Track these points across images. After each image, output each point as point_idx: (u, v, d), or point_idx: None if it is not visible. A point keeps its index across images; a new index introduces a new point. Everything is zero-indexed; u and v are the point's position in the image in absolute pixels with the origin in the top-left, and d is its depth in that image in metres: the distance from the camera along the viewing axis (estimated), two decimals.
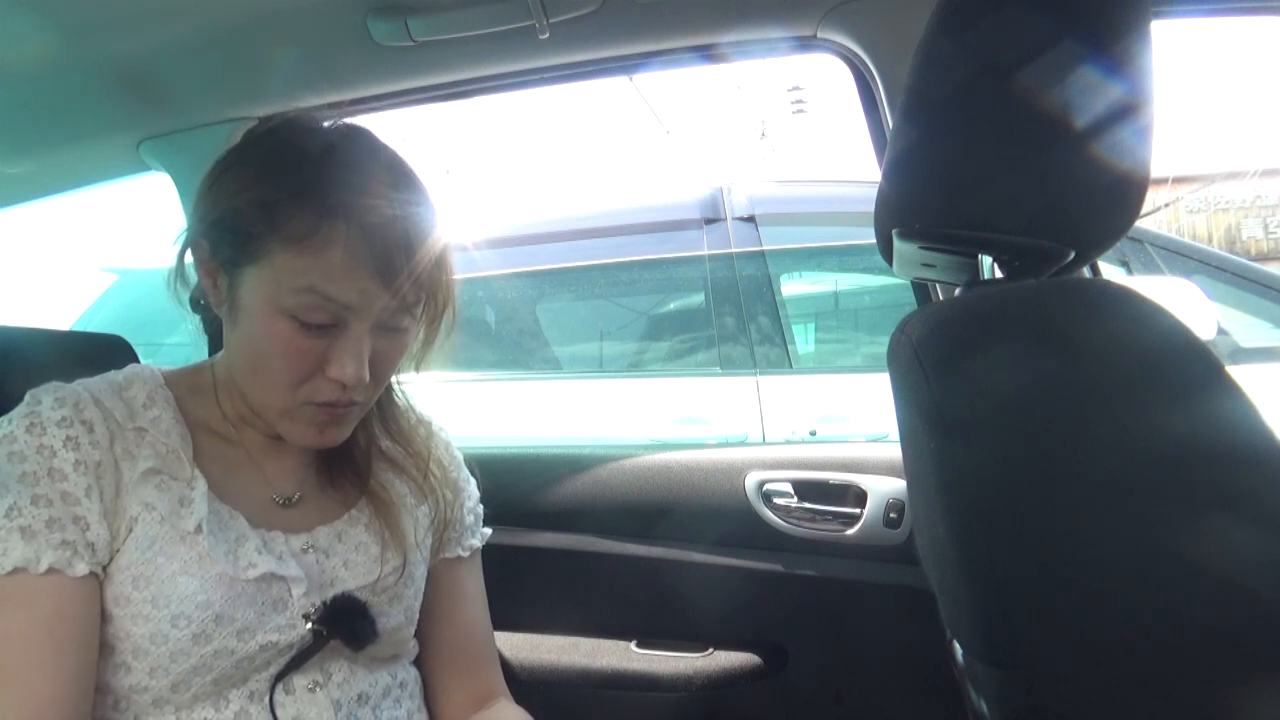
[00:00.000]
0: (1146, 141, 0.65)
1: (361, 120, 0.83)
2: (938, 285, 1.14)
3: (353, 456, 0.87)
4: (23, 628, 0.68)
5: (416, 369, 0.86)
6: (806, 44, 1.13)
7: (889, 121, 1.08)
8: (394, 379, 0.87)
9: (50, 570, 0.69)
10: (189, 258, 0.80)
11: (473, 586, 0.97)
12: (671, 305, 2.80)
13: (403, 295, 0.74)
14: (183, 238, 0.80)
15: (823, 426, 2.23)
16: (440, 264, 0.77)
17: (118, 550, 0.72)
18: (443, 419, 0.99)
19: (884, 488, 1.28)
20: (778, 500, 1.31)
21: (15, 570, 0.68)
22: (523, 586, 1.31)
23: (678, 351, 2.72)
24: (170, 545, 0.73)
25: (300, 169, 0.74)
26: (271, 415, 0.78)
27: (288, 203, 0.72)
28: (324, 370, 0.75)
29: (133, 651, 0.72)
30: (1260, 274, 2.52)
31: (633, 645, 1.33)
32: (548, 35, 1.06)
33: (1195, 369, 0.59)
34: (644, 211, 2.86)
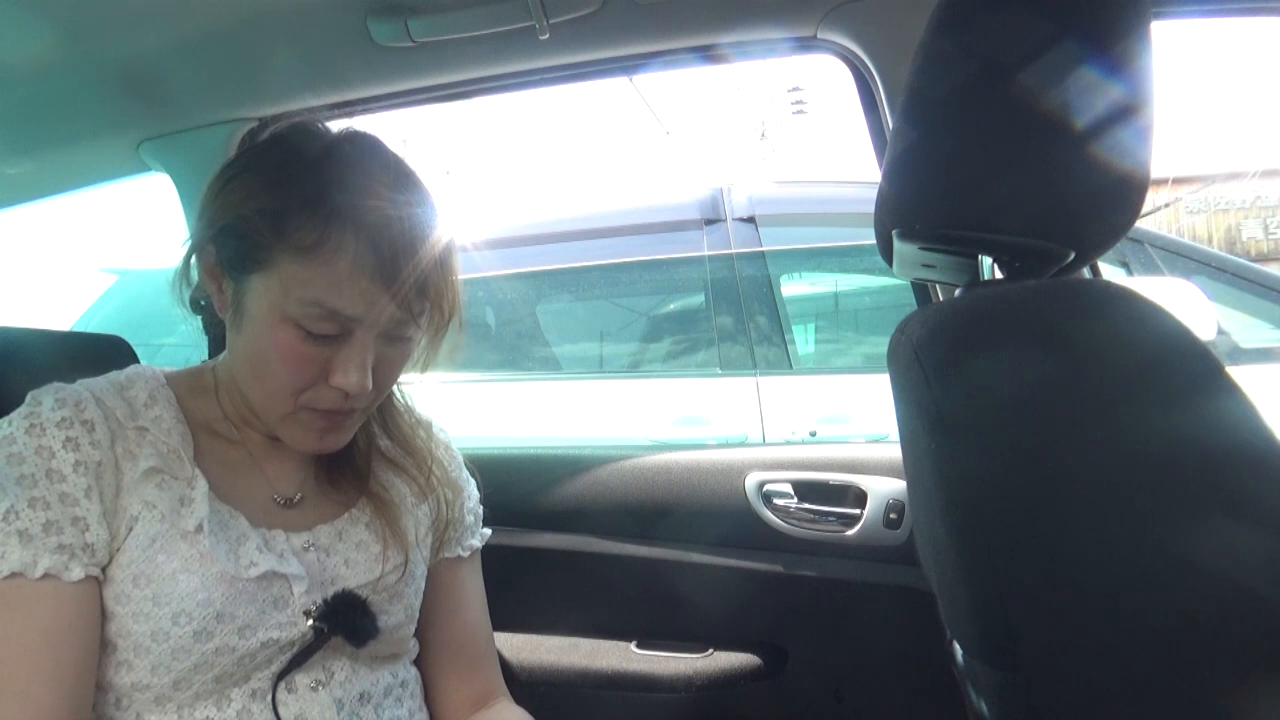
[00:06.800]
0: (1146, 141, 0.65)
1: (361, 121, 0.83)
2: (938, 286, 1.14)
3: (353, 457, 0.88)
4: (20, 633, 0.68)
5: (421, 371, 0.86)
6: (806, 44, 1.13)
7: (889, 121, 1.08)
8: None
9: (47, 575, 0.69)
10: (194, 261, 0.80)
11: (472, 587, 0.97)
12: (671, 306, 2.80)
13: (408, 303, 0.75)
14: (189, 241, 0.80)
15: (823, 427, 2.23)
16: (445, 268, 0.77)
17: (118, 549, 0.72)
18: (443, 420, 0.99)
19: (884, 488, 1.28)
20: (778, 501, 1.31)
21: (12, 575, 0.68)
22: (523, 586, 1.31)
23: (677, 352, 2.72)
24: (171, 543, 0.73)
25: (308, 178, 0.74)
26: (272, 419, 0.78)
27: (295, 212, 0.72)
28: (327, 378, 0.75)
29: (134, 649, 0.72)
30: (1260, 274, 2.52)
31: (633, 646, 1.33)
32: (548, 36, 1.07)
33: (1195, 370, 0.59)
34: (644, 212, 2.86)
